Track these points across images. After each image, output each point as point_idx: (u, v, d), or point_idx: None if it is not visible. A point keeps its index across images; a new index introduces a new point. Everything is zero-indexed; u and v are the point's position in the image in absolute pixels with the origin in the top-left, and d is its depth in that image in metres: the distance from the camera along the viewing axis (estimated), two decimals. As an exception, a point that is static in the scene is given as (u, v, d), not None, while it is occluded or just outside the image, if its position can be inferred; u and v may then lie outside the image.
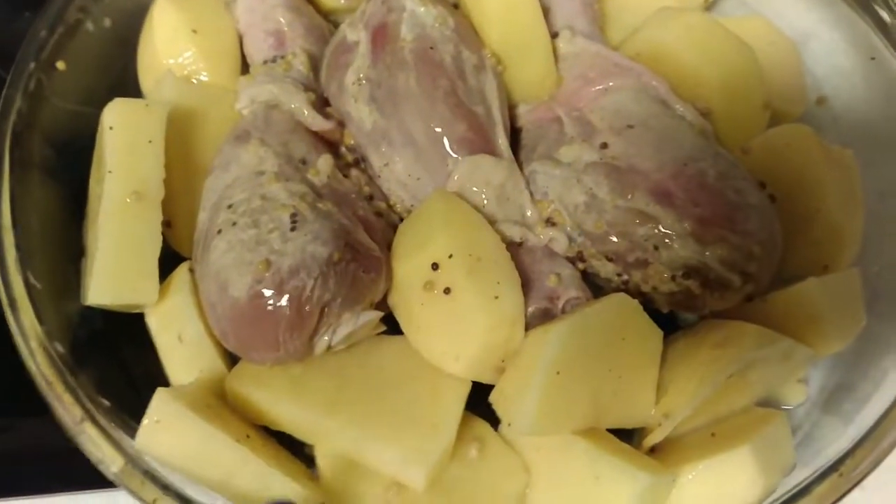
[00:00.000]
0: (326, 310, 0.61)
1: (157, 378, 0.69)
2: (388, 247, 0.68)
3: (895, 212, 0.76)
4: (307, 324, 0.61)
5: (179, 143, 0.73)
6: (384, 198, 0.74)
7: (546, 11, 0.77)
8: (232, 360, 0.68)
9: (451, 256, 0.63)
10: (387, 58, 0.72)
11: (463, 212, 0.66)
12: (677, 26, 0.76)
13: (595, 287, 0.71)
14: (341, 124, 0.75)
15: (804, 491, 0.61)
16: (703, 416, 0.66)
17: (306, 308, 0.60)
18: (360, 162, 0.75)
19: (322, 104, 0.76)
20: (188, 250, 0.70)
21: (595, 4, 0.80)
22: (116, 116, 0.69)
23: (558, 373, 0.60)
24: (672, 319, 0.73)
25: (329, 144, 0.75)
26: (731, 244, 0.64)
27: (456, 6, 0.77)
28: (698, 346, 0.65)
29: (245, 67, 0.80)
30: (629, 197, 0.66)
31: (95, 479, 0.63)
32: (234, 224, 0.63)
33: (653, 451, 0.65)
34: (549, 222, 0.70)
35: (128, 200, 0.67)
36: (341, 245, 0.62)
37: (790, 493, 0.62)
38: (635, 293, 0.69)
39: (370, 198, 0.73)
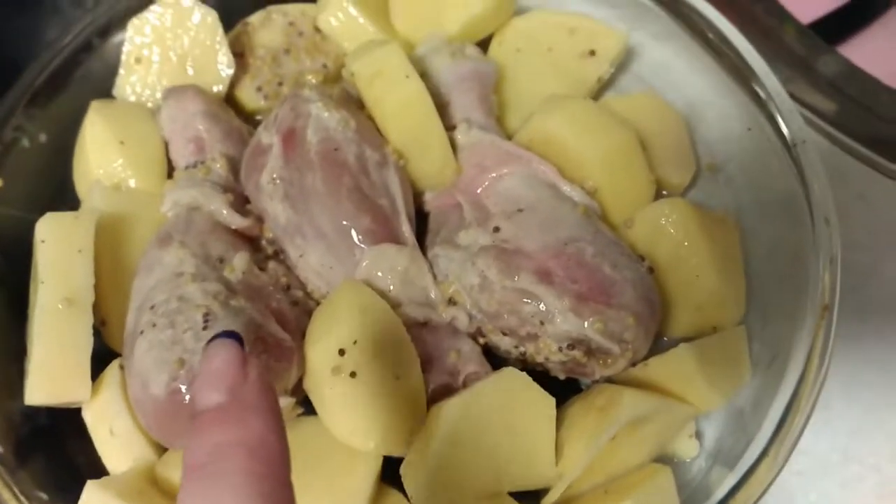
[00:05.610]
0: (239, 400, 0.66)
1: (100, 467, 0.74)
2: (302, 335, 0.73)
3: (781, 269, 0.81)
4: (221, 414, 0.66)
5: (111, 247, 0.79)
6: (301, 286, 0.79)
7: (446, 106, 0.85)
8: (162, 448, 0.73)
9: (355, 342, 0.68)
10: (296, 159, 0.78)
11: (367, 299, 0.72)
12: (562, 113, 0.82)
13: (498, 359, 0.76)
14: (260, 220, 0.81)
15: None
16: (600, 474, 0.71)
17: (219, 400, 0.65)
18: (279, 253, 0.81)
19: (242, 202, 0.82)
20: (122, 347, 0.74)
21: (491, 97, 0.86)
22: (47, 230, 0.75)
23: (453, 445, 0.65)
24: (575, 383, 0.79)
25: (249, 239, 0.81)
26: (608, 316, 0.70)
27: (361, 107, 0.84)
28: (588, 409, 0.71)
29: (172, 171, 0.86)
30: (515, 278, 0.72)
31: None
32: (154, 325, 0.69)
33: (555, 508, 0.71)
34: (451, 302, 0.76)
35: (59, 307, 0.72)
36: (251, 339, 0.67)
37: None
38: (532, 363, 0.74)
39: (287, 287, 0.78)
